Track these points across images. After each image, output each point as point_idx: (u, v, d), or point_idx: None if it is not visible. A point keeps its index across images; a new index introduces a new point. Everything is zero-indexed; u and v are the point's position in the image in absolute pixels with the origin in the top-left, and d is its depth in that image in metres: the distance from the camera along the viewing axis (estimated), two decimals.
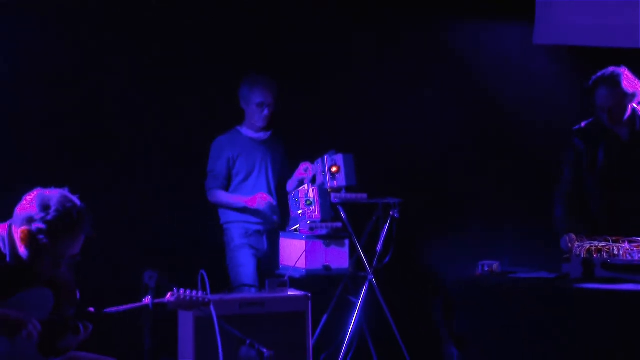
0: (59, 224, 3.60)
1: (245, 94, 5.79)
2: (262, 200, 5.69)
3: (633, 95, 5.14)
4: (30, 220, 3.58)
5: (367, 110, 6.67)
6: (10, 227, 3.66)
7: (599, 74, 5.20)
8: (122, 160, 6.11)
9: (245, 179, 5.85)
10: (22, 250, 3.62)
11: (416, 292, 6.01)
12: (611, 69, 5.21)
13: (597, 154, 5.33)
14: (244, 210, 5.80)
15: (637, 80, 5.20)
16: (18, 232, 3.61)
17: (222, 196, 5.81)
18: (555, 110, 6.05)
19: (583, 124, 5.39)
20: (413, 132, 6.76)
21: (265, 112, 5.75)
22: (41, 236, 3.57)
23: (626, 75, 5.15)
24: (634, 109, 5.23)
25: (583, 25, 5.71)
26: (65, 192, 3.70)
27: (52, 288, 3.74)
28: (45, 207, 3.58)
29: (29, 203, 3.61)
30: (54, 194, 3.66)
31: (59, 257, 3.69)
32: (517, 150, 6.73)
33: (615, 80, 5.12)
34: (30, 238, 3.59)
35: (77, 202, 3.70)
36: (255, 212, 5.82)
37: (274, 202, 5.82)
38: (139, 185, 6.13)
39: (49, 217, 3.57)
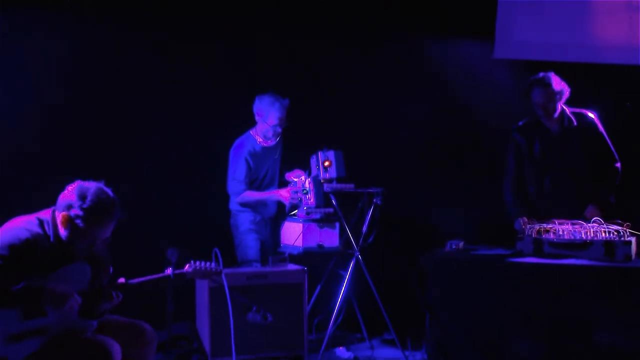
0: (93, 212, 3.66)
1: (264, 112, 5.65)
2: (295, 194, 5.64)
3: (561, 93, 5.25)
4: (69, 207, 3.64)
5: (355, 114, 6.63)
6: (53, 212, 3.70)
7: (533, 77, 5.32)
8: (149, 157, 6.08)
9: (262, 179, 5.78)
10: (62, 232, 3.67)
11: (395, 266, 5.99)
12: (542, 73, 5.31)
13: (534, 146, 5.41)
14: (264, 204, 5.79)
15: (563, 82, 5.28)
16: (59, 217, 3.65)
17: (254, 195, 5.69)
18: (509, 113, 6.00)
19: (521, 123, 5.47)
20: (393, 131, 6.76)
21: (278, 130, 5.67)
22: (78, 221, 3.63)
23: (554, 77, 5.26)
24: (562, 109, 5.30)
25: (536, 42, 5.66)
26: (101, 185, 3.76)
27: (90, 263, 3.79)
28: (82, 197, 3.63)
29: (70, 192, 3.66)
30: (92, 186, 3.71)
31: (93, 239, 3.72)
32: (479, 145, 6.70)
33: (546, 81, 5.24)
34: (69, 222, 3.64)
35: (111, 194, 3.76)
36: (265, 203, 5.80)
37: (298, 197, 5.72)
38: (165, 177, 6.11)
39: (85, 206, 3.62)
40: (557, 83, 5.26)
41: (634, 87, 6.41)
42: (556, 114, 5.29)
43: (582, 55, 5.48)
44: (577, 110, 5.41)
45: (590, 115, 5.39)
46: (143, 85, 6.21)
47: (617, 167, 5.38)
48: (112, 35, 6.15)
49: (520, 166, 5.49)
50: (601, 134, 5.39)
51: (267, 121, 5.63)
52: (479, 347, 4.98)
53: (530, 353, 4.81)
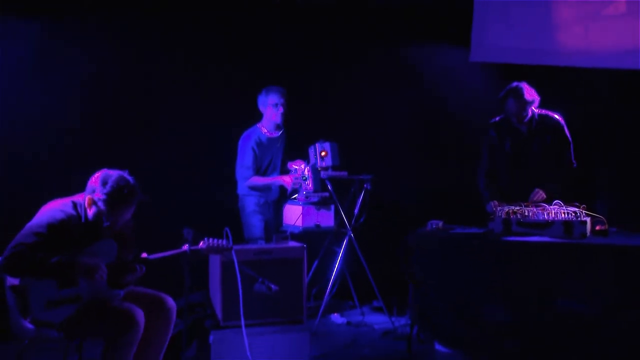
0: (113, 196, 3.68)
1: (264, 99, 5.66)
2: (296, 179, 5.63)
3: (532, 102, 5.21)
4: (93, 191, 3.68)
5: (349, 111, 6.64)
6: (85, 196, 3.74)
7: (507, 88, 5.27)
8: (169, 149, 6.13)
9: (266, 167, 5.75)
10: (89, 213, 3.72)
11: (383, 243, 5.95)
12: (515, 83, 5.26)
13: (505, 144, 5.40)
14: (269, 188, 5.76)
15: (534, 91, 5.23)
16: (86, 199, 3.70)
17: (260, 180, 5.66)
18: (483, 109, 5.94)
19: (497, 119, 5.44)
20: (381, 126, 6.78)
21: (280, 110, 5.61)
22: (100, 203, 3.67)
23: (526, 87, 5.21)
24: (532, 113, 5.28)
25: (507, 47, 5.61)
26: (124, 173, 3.79)
27: (116, 240, 3.84)
28: (104, 183, 3.68)
29: (95, 179, 3.71)
30: (114, 174, 3.75)
31: (115, 219, 3.75)
32: (456, 138, 6.71)
33: (519, 92, 5.19)
34: (93, 204, 3.69)
35: (131, 181, 3.78)
36: (269, 188, 5.76)
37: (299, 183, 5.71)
38: (182, 166, 6.13)
39: (106, 190, 3.66)
40: (529, 93, 5.22)
41: (592, 88, 6.36)
42: (527, 118, 5.27)
43: (547, 59, 5.43)
44: (546, 112, 5.37)
45: (557, 117, 5.35)
46: (161, 86, 6.23)
47: (574, 167, 5.36)
48: (134, 43, 6.15)
49: (492, 157, 5.47)
50: (565, 136, 5.36)
51: (268, 105, 5.63)
52: (455, 313, 4.97)
53: (499, 317, 4.79)
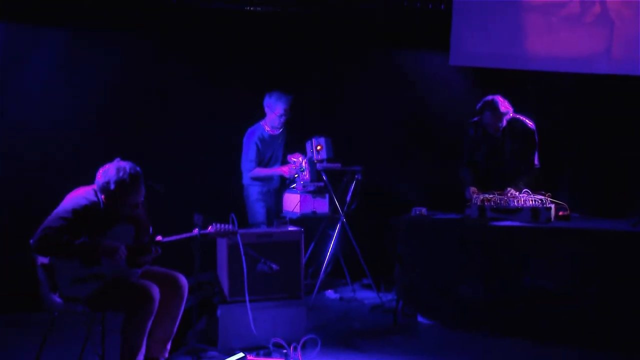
0: (121, 183, 3.63)
1: (272, 105, 5.57)
2: (294, 170, 5.59)
3: (507, 113, 5.18)
4: (100, 186, 3.66)
5: (342, 109, 6.58)
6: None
7: (483, 100, 5.24)
8: (181, 144, 6.06)
9: (268, 160, 5.72)
10: (102, 198, 3.69)
11: (372, 228, 5.92)
12: (490, 97, 5.22)
13: (481, 145, 5.40)
14: (271, 179, 5.75)
15: (507, 102, 5.20)
16: (99, 187, 3.68)
17: (262, 171, 5.64)
18: (461, 107, 6.04)
19: (476, 119, 5.40)
20: (371, 122, 6.70)
21: (283, 119, 5.59)
22: (111, 188, 3.62)
23: (501, 100, 5.17)
24: (507, 121, 5.25)
25: (481, 53, 5.58)
26: (130, 163, 3.71)
27: (134, 224, 3.84)
28: (106, 180, 3.63)
29: (108, 168, 3.67)
30: (122, 164, 3.70)
31: (124, 203, 3.71)
32: (438, 133, 6.67)
33: (495, 105, 5.17)
34: (104, 191, 3.66)
35: (138, 170, 3.72)
36: (271, 179, 5.75)
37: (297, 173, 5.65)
38: (193, 159, 6.06)
39: (115, 179, 3.62)
40: (503, 106, 5.20)
41: (558, 90, 6.33)
42: (502, 127, 5.27)
43: (517, 64, 5.41)
44: (521, 117, 5.34)
45: (529, 124, 5.32)
46: (173, 88, 6.18)
47: (537, 168, 5.33)
48: (152, 48, 6.14)
49: (471, 151, 5.48)
50: (533, 141, 5.34)
51: (274, 112, 5.56)
52: (435, 289, 5.04)
53: (474, 293, 4.87)
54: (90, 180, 3.77)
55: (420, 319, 5.14)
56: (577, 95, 6.45)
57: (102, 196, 3.71)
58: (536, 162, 5.34)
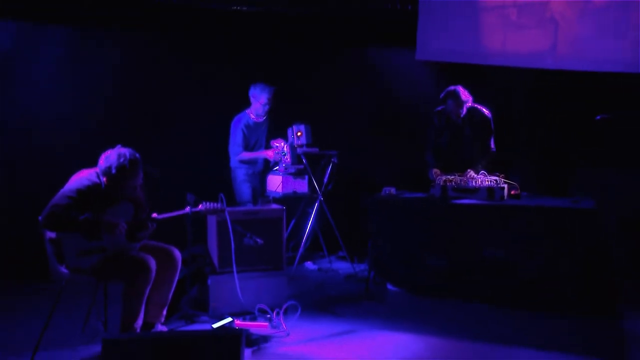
0: (121, 168, 3.63)
1: (257, 94, 5.53)
2: (277, 154, 5.55)
3: (467, 102, 5.22)
4: (102, 170, 3.66)
5: (320, 99, 6.59)
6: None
7: (446, 90, 5.26)
8: (175, 131, 6.06)
9: (253, 145, 5.68)
10: (104, 180, 3.69)
11: (347, 206, 6.01)
12: (452, 87, 5.26)
13: (444, 132, 5.43)
14: (256, 161, 5.71)
15: (467, 92, 5.23)
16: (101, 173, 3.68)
17: (247, 154, 5.60)
18: (427, 98, 6.04)
19: (440, 108, 5.43)
20: (346, 111, 6.69)
21: (267, 108, 5.55)
22: (112, 172, 3.62)
23: (462, 90, 5.21)
24: (466, 109, 5.29)
25: (444, 49, 5.56)
26: (130, 149, 3.70)
27: (132, 202, 3.85)
28: (108, 165, 3.63)
29: (109, 154, 3.66)
30: (123, 150, 3.69)
31: (124, 185, 3.70)
32: (405, 121, 6.70)
33: (456, 94, 5.21)
34: (106, 174, 3.65)
35: (137, 156, 3.69)
36: (256, 162, 5.71)
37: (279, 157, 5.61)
38: (186, 145, 6.06)
39: (116, 164, 3.61)
40: (464, 95, 5.24)
41: (512, 83, 6.33)
42: (462, 114, 5.31)
43: (476, 59, 5.39)
44: (479, 106, 5.35)
45: (486, 112, 5.34)
46: (168, 84, 6.17)
47: (493, 152, 5.37)
48: (150, 49, 6.13)
49: (435, 137, 5.49)
50: (489, 128, 5.35)
51: (259, 101, 5.53)
52: (403, 260, 5.10)
53: (438, 263, 4.94)
54: (92, 164, 3.76)
55: (389, 287, 5.16)
56: (527, 88, 6.43)
57: (104, 179, 3.69)
58: (492, 146, 5.38)
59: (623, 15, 4.95)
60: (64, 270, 3.67)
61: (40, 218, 3.54)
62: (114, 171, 3.64)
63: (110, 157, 3.67)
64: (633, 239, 5.65)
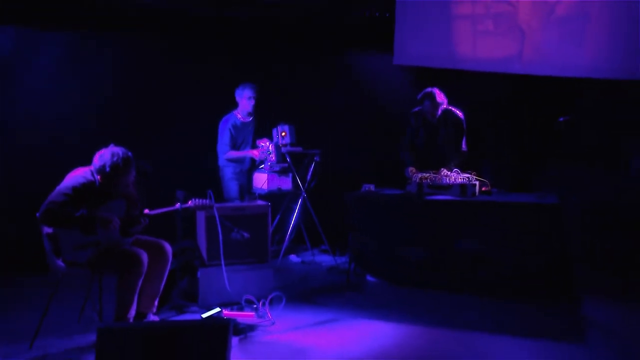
0: (114, 166, 3.64)
1: (240, 92, 5.53)
2: (263, 153, 5.56)
3: (442, 103, 5.24)
4: (96, 169, 3.66)
5: (303, 101, 6.57)
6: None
7: (423, 92, 5.27)
8: (169, 130, 6.05)
9: (240, 145, 5.65)
10: (98, 178, 3.68)
11: (329, 202, 5.91)
12: (429, 89, 5.27)
13: (420, 131, 5.44)
14: (243, 160, 5.68)
15: (443, 94, 5.25)
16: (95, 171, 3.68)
17: (234, 153, 5.58)
18: (404, 99, 6.01)
19: (416, 109, 5.43)
20: (328, 112, 6.68)
21: (252, 102, 5.51)
22: (106, 171, 3.63)
23: (438, 92, 5.23)
24: (441, 111, 5.32)
25: (419, 53, 5.57)
26: (123, 148, 3.70)
27: (125, 199, 3.83)
28: (102, 164, 3.63)
29: (103, 152, 3.66)
30: (116, 149, 3.69)
31: (117, 183, 3.70)
32: (384, 121, 6.70)
33: (433, 95, 5.23)
34: (100, 172, 3.65)
35: (129, 154, 3.69)
36: (243, 160, 5.68)
37: (265, 156, 5.61)
38: (177, 145, 6.05)
39: (109, 162, 3.61)
40: (440, 97, 5.26)
41: (483, 86, 6.31)
42: (438, 114, 5.33)
43: (448, 64, 5.41)
44: (452, 108, 5.37)
45: (459, 114, 5.37)
46: (161, 86, 6.16)
47: (464, 151, 5.39)
48: (147, 51, 6.11)
49: (412, 137, 5.51)
50: (462, 128, 5.37)
51: (243, 97, 5.52)
52: (382, 253, 5.10)
53: (415, 255, 4.95)
54: (87, 162, 3.76)
55: (369, 278, 5.18)
56: (497, 92, 6.43)
57: (98, 176, 3.69)
58: (464, 146, 5.41)
59: (581, 26, 5.03)
60: (60, 263, 3.67)
61: (37, 214, 3.53)
62: (107, 169, 3.64)
63: (104, 155, 3.67)
64: (592, 230, 5.75)
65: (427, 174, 5.07)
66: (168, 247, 3.99)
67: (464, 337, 3.88)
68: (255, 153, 5.64)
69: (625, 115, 5.95)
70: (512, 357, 3.58)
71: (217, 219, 4.26)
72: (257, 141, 5.69)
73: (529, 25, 5.19)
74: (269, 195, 5.54)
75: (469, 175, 4.95)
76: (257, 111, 5.71)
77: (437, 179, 5.01)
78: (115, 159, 3.65)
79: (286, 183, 5.75)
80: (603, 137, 6.07)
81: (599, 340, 3.82)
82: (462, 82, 5.98)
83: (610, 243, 5.74)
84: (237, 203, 4.90)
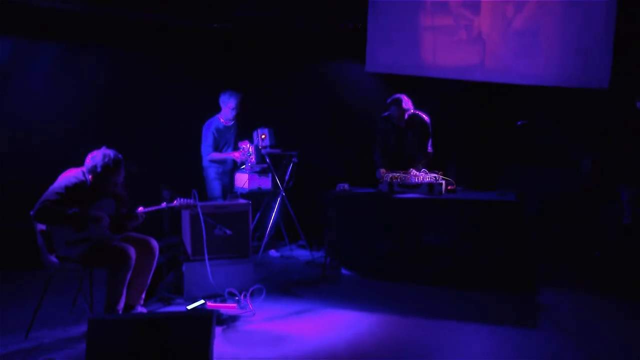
0: (105, 167, 3.66)
1: (225, 100, 5.52)
2: (243, 155, 5.55)
3: (408, 109, 5.31)
4: (89, 169, 3.67)
5: (281, 106, 6.59)
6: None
7: (392, 98, 5.33)
8: (154, 134, 6.04)
9: (222, 147, 5.65)
10: (89, 178, 3.69)
11: (306, 200, 6.00)
12: (397, 95, 5.33)
13: (389, 135, 5.49)
14: (225, 161, 5.66)
15: (409, 100, 5.31)
16: (87, 171, 3.68)
17: (217, 155, 5.58)
18: (374, 104, 6.09)
19: (386, 114, 5.48)
20: (304, 116, 6.75)
21: (235, 112, 5.53)
22: (98, 171, 3.64)
23: (404, 98, 5.30)
24: (408, 115, 5.39)
25: (390, 62, 5.59)
26: (113, 150, 3.71)
27: (114, 198, 3.84)
28: (94, 164, 3.65)
29: (95, 154, 3.67)
30: (107, 151, 3.70)
31: (108, 183, 3.72)
32: (355, 125, 6.77)
33: (399, 101, 5.30)
34: (91, 172, 3.66)
35: (119, 156, 3.69)
36: (225, 161, 5.65)
37: (245, 157, 5.59)
38: (163, 146, 6.04)
39: (101, 163, 3.63)
40: (406, 103, 5.31)
41: (448, 92, 6.49)
42: (405, 118, 5.37)
43: (415, 71, 5.45)
44: (419, 112, 5.39)
45: (425, 117, 5.41)
46: (150, 90, 6.16)
47: (430, 152, 5.45)
48: (134, 59, 6.10)
49: (382, 140, 5.54)
50: (427, 131, 5.41)
51: (227, 106, 5.52)
52: (355, 248, 5.16)
53: (386, 248, 5.00)
54: (79, 163, 3.77)
55: (343, 271, 5.21)
56: (462, 97, 6.59)
57: (90, 176, 3.70)
58: (429, 147, 5.47)
59: (535, 40, 5.19)
60: (53, 259, 3.67)
61: (32, 212, 3.53)
62: (99, 169, 3.65)
63: (96, 157, 3.68)
64: (547, 224, 5.88)
65: (397, 174, 5.11)
66: (155, 243, 3.99)
67: (430, 324, 3.95)
68: (236, 155, 5.63)
69: (576, 120, 6.14)
70: (473, 341, 3.66)
71: (201, 216, 4.25)
72: (239, 143, 5.68)
73: (489, 36, 5.29)
74: (249, 194, 5.54)
75: (436, 175, 5.01)
76: (239, 115, 5.71)
77: (406, 179, 5.05)
78: (106, 159, 3.67)
79: (266, 183, 5.76)
80: (556, 140, 6.24)
81: (551, 326, 3.92)
82: (429, 89, 6.05)
83: (563, 235, 5.90)
84: (220, 202, 4.88)
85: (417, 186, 5.00)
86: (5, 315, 4.08)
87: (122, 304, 3.77)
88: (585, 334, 3.82)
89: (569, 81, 5.13)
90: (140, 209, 3.89)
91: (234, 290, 4.34)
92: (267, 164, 5.73)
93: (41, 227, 3.63)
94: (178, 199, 4.04)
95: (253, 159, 5.61)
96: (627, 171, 5.53)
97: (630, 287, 4.77)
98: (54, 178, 3.73)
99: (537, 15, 5.14)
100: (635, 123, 5.52)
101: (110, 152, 3.71)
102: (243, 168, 5.72)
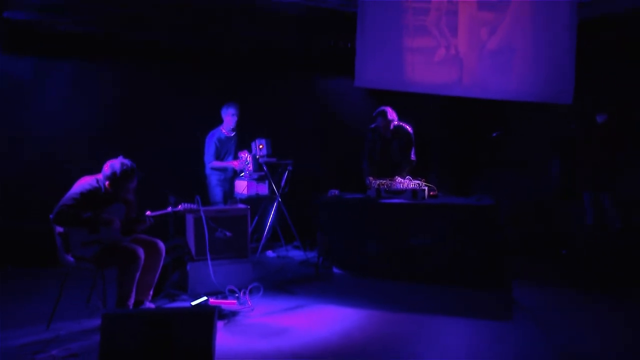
0: (122, 176, 3.73)
1: (225, 110, 5.55)
2: (241, 163, 5.56)
3: (393, 120, 5.33)
4: (106, 176, 3.71)
5: (277, 118, 6.53)
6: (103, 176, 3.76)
7: (378, 110, 5.36)
8: (162, 144, 5.98)
9: (223, 156, 5.67)
10: (107, 185, 3.73)
11: (300, 205, 5.99)
12: (382, 108, 5.34)
13: (376, 145, 5.53)
14: (225, 169, 5.67)
15: (394, 112, 5.33)
16: (105, 178, 3.71)
17: (218, 163, 5.59)
18: (362, 116, 6.16)
19: (373, 125, 5.49)
20: (298, 127, 6.73)
21: (235, 119, 5.54)
22: (115, 179, 3.70)
23: (389, 111, 5.32)
24: (393, 126, 5.41)
25: (377, 78, 5.57)
26: (128, 160, 3.78)
27: (125, 203, 3.90)
28: (112, 171, 3.73)
29: (112, 163, 3.72)
30: (124, 161, 3.76)
31: (122, 190, 3.80)
32: (345, 135, 6.74)
33: (384, 114, 5.33)
34: (108, 180, 3.70)
35: (130, 165, 3.75)
36: (226, 169, 5.64)
37: (243, 166, 5.60)
38: (169, 155, 5.93)
39: (117, 172, 3.68)
40: (391, 115, 5.31)
41: (430, 106, 6.50)
42: (390, 129, 5.38)
43: (399, 87, 5.50)
44: (403, 124, 5.40)
45: (408, 128, 5.41)
46: (159, 105, 6.14)
47: (413, 160, 5.45)
48: (144, 75, 6.10)
49: (370, 149, 5.54)
50: (411, 141, 5.41)
51: (227, 114, 5.53)
52: (346, 248, 5.16)
53: (376, 250, 5.01)
54: (92, 171, 3.80)
55: (335, 270, 5.22)
56: (442, 110, 6.62)
57: (107, 182, 3.73)
58: (413, 156, 5.48)
59: (508, 58, 5.27)
60: (70, 258, 3.71)
61: (51, 216, 3.58)
62: (118, 174, 3.71)
63: (114, 165, 3.74)
64: (521, 225, 5.90)
65: (384, 181, 5.13)
66: (161, 245, 4.03)
67: (414, 318, 3.99)
68: (235, 164, 5.65)
69: (545, 131, 6.22)
70: (455, 333, 3.71)
71: (204, 220, 4.29)
72: (239, 153, 5.70)
73: (466, 55, 5.34)
74: (248, 200, 5.56)
75: (419, 182, 5.04)
76: (239, 127, 5.73)
77: (392, 185, 5.07)
78: (124, 167, 3.73)
79: (263, 189, 5.78)
80: (528, 148, 6.28)
81: (524, 319, 3.96)
82: (412, 102, 6.06)
83: (536, 235, 5.91)
84: (221, 206, 4.89)
85: (402, 192, 5.02)
86: (25, 309, 4.11)
87: (132, 300, 3.81)
88: (555, 324, 3.87)
89: (538, 96, 5.23)
90: (148, 212, 3.92)
91: (234, 288, 4.37)
92: (265, 171, 5.75)
93: (59, 229, 3.68)
94: (182, 204, 4.08)
95: (251, 167, 5.62)
96: (590, 176, 5.59)
97: (594, 281, 4.83)
98: (69, 185, 3.78)
99: (509, 36, 5.24)
100: (596, 133, 5.59)
101: (127, 161, 3.77)
102: (242, 175, 5.72)
